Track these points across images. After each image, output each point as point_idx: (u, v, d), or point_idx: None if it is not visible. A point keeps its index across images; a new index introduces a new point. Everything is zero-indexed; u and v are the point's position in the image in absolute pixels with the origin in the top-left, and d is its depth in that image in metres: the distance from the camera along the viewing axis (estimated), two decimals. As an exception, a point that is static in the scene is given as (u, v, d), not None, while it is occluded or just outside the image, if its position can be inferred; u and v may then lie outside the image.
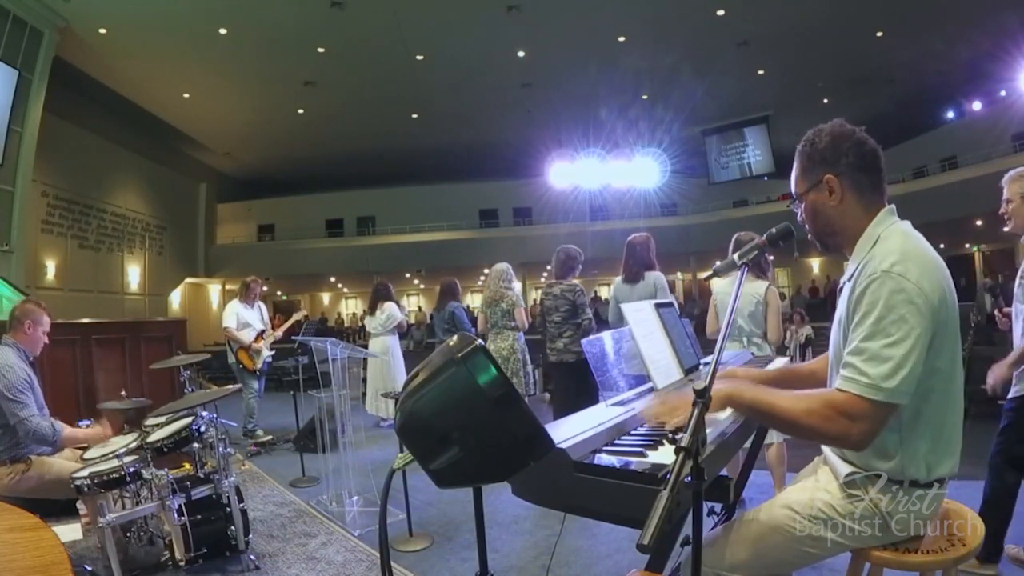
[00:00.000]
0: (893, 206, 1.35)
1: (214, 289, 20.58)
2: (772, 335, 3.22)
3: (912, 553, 1.28)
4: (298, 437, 4.97)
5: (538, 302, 4.51)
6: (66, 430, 2.81)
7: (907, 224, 1.32)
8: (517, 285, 4.63)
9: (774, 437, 3.15)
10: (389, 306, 6.09)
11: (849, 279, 1.31)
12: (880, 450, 1.25)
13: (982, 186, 11.65)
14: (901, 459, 1.24)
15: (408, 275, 21.70)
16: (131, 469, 2.44)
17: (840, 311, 1.32)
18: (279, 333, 5.82)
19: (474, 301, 23.41)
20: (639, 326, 1.74)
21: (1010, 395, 2.31)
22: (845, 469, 1.32)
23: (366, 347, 6.00)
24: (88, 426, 3.09)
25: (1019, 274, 2.29)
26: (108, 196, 14.81)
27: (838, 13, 12.16)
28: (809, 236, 1.44)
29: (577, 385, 4.02)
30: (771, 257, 3.39)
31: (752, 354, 2.95)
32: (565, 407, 4.01)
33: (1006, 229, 2.34)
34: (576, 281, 4.21)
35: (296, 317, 6.09)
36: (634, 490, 1.05)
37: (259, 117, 16.12)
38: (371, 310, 6.19)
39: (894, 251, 1.21)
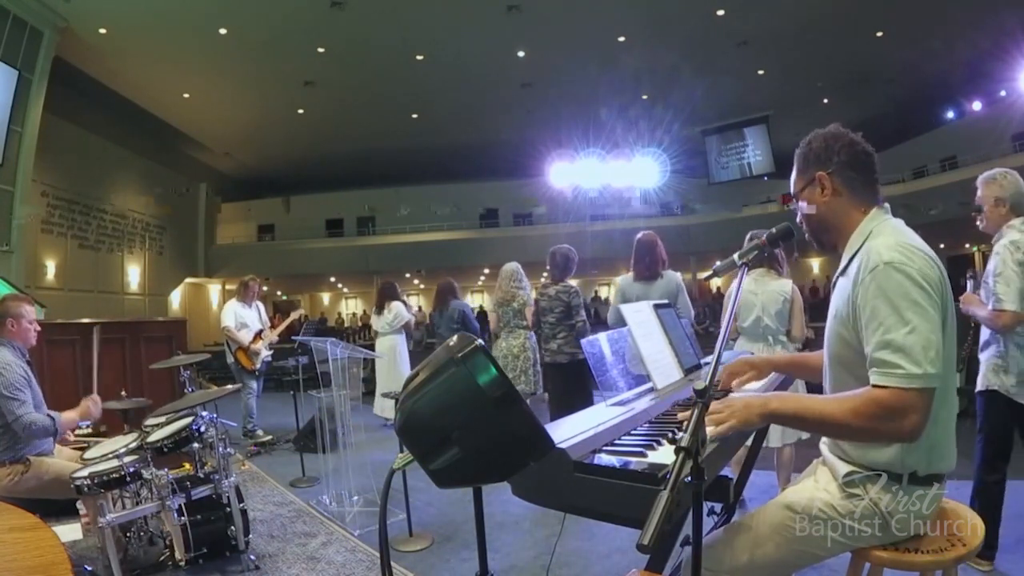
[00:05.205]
0: (887, 205, 1.38)
1: (214, 289, 20.58)
2: (796, 332, 3.25)
3: (912, 553, 1.28)
4: (298, 437, 4.97)
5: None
6: (62, 416, 2.78)
7: (899, 221, 1.36)
8: (528, 284, 4.63)
9: (786, 439, 3.13)
10: (396, 305, 6.05)
11: (842, 273, 1.34)
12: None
13: (982, 186, 11.62)
14: (901, 449, 1.25)
15: (408, 275, 21.69)
16: (131, 469, 2.44)
17: (836, 306, 1.34)
18: (274, 336, 5.78)
19: (473, 301, 23.40)
20: (638, 326, 1.74)
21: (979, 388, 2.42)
22: (844, 469, 1.32)
23: (371, 347, 5.99)
24: (87, 426, 3.08)
25: (983, 276, 2.39)
26: (108, 196, 14.81)
27: (838, 13, 12.16)
28: (806, 235, 1.47)
29: (570, 386, 4.01)
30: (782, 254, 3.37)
31: (751, 354, 2.95)
32: (559, 408, 4.01)
33: (979, 227, 2.46)
34: (572, 282, 4.20)
35: (293, 316, 6.05)
36: (634, 490, 1.05)
37: (259, 117, 16.11)
38: (378, 309, 6.15)
39: (891, 244, 1.24)
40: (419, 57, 13.66)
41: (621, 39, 13.20)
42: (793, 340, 3.26)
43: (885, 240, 1.26)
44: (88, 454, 2.71)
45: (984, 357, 2.40)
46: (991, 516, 2.21)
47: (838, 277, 1.38)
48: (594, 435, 1.27)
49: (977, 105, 15.87)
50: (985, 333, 2.43)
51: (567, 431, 1.25)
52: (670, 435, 1.30)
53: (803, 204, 1.43)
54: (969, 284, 2.65)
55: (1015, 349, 2.27)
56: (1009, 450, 2.35)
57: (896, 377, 1.14)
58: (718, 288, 19.29)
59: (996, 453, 2.33)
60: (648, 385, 1.70)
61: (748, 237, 3.12)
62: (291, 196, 21.33)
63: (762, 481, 3.38)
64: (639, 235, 3.82)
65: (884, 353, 1.17)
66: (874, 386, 1.17)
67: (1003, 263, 2.24)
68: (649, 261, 3.71)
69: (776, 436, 3.11)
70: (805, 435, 3.13)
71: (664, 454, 1.20)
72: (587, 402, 3.81)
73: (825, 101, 16.67)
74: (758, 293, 3.23)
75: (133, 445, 2.68)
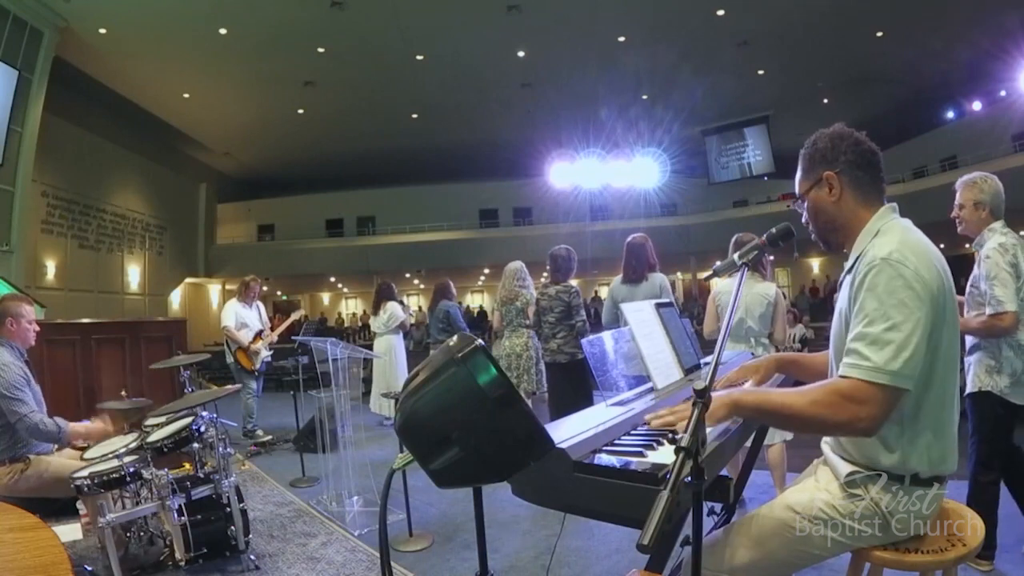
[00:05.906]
0: (894, 204, 1.38)
1: (214, 289, 20.58)
2: (779, 335, 3.28)
3: (912, 553, 1.28)
4: (298, 437, 4.97)
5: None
6: (70, 426, 2.78)
7: (907, 221, 1.35)
8: (532, 283, 4.64)
9: (775, 437, 3.15)
10: (391, 306, 6.09)
11: (849, 271, 1.34)
12: (883, 441, 1.26)
13: (982, 186, 11.64)
14: (903, 452, 1.25)
15: (408, 275, 21.70)
16: (131, 469, 2.43)
17: (841, 303, 1.34)
18: (274, 336, 5.78)
19: (473, 301, 23.40)
20: (639, 326, 1.73)
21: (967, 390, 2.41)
22: (846, 469, 1.32)
23: (370, 347, 6.00)
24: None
25: (970, 282, 2.40)
26: (108, 196, 14.80)
27: (838, 13, 12.16)
28: (812, 236, 1.47)
29: (570, 386, 4.01)
30: (771, 258, 3.41)
31: (752, 355, 2.96)
32: (558, 408, 4.02)
33: (959, 231, 2.49)
34: (573, 283, 4.21)
35: (294, 317, 6.06)
36: (634, 490, 1.04)
37: (259, 117, 16.12)
38: (374, 310, 6.20)
39: (892, 242, 1.24)
40: (419, 57, 13.67)
41: (621, 39, 13.20)
42: (775, 343, 3.28)
43: (889, 239, 1.26)
44: (88, 454, 2.71)
45: (973, 360, 2.40)
46: (988, 517, 2.20)
47: (845, 276, 1.37)
48: (594, 435, 1.26)
49: (977, 105, 15.87)
50: (971, 336, 2.42)
51: (567, 431, 1.25)
52: (670, 435, 1.30)
53: (810, 205, 1.42)
54: None
55: (1008, 350, 2.28)
56: (1003, 450, 2.35)
57: (861, 369, 1.15)
58: (716, 287, 19.28)
59: (991, 453, 2.34)
60: (648, 385, 1.70)
61: (733, 241, 3.14)
62: (291, 196, 21.33)
63: (762, 481, 3.39)
64: (630, 238, 3.84)
65: (858, 344, 1.17)
66: (840, 376, 1.18)
67: (995, 266, 2.24)
68: (636, 264, 3.72)
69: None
70: (789, 435, 3.14)
71: (664, 454, 1.20)
72: (587, 402, 3.81)
73: (825, 101, 16.68)
74: (732, 295, 3.25)
75: (133, 445, 2.68)
